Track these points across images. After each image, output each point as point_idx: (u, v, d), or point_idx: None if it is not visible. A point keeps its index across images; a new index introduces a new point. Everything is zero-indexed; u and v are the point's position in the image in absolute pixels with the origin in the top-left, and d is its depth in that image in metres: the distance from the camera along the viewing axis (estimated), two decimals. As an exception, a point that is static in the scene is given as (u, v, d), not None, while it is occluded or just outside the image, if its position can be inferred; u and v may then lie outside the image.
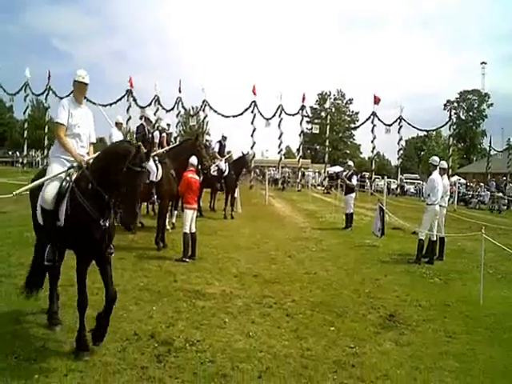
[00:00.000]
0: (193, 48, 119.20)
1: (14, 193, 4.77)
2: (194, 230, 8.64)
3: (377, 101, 38.82)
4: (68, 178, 4.61)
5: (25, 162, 41.39)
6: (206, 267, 8.11)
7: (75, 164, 4.71)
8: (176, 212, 12.25)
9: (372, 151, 41.77)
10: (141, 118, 11.25)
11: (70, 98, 5.04)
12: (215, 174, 14.98)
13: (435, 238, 9.88)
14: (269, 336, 5.08)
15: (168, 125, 13.36)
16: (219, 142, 16.19)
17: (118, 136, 11.58)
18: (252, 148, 37.30)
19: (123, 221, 4.65)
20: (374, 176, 40.64)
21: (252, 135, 37.64)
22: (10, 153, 47.21)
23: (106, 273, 4.51)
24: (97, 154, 4.77)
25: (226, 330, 5.22)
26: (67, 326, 4.88)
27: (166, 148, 10.60)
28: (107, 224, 4.36)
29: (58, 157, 4.86)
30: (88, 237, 4.27)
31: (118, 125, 11.94)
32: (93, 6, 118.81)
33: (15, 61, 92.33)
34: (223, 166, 15.28)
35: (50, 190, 4.54)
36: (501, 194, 29.40)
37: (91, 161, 4.69)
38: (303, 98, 39.26)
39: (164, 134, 11.78)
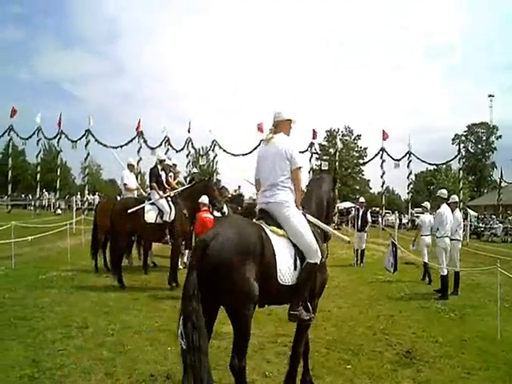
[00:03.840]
0: (200, 87, 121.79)
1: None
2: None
3: (385, 137, 39.04)
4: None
5: (37, 204, 41.81)
6: (219, 306, 8.07)
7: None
8: (188, 251, 12.27)
9: (382, 186, 41.81)
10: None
11: None
12: (219, 214, 15.02)
13: (446, 273, 9.75)
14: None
15: (174, 165, 13.44)
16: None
17: (130, 178, 11.82)
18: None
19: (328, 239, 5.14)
20: (384, 211, 40.51)
21: (261, 174, 37.74)
22: (23, 195, 47.79)
23: None
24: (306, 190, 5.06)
25: (242, 369, 5.18)
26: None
27: (180, 189, 10.66)
28: None
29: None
30: None
31: (130, 166, 12.17)
32: (101, 49, 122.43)
33: (27, 106, 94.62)
34: (225, 208, 15.35)
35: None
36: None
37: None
38: (313, 135, 39.51)
39: (171, 174, 11.85)
